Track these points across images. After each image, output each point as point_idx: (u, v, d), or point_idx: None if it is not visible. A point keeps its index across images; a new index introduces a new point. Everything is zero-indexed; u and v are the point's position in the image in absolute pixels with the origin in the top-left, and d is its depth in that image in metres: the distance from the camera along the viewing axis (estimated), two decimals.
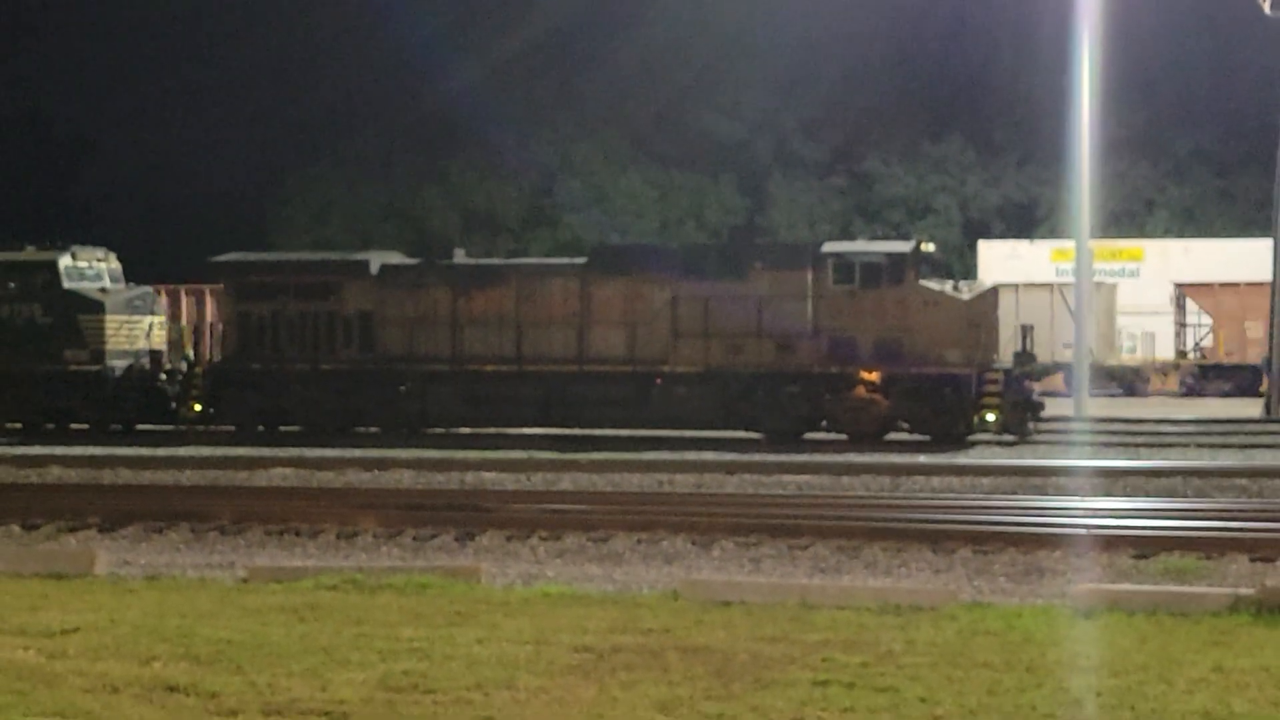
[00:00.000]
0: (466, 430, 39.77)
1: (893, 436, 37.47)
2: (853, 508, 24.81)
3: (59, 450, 36.14)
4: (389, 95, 74.90)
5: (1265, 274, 46.62)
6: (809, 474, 30.17)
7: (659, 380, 38.26)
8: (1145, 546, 20.82)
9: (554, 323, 38.86)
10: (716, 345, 37.91)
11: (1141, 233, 67.49)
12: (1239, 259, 55.23)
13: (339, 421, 39.85)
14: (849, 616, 15.67)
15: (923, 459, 33.04)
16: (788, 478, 29.79)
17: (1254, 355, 52.50)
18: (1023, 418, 37.56)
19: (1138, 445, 35.99)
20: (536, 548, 22.12)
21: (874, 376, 37.17)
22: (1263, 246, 48.68)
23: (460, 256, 41.86)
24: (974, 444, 36.73)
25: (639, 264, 39.15)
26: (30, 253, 42.37)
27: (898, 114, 72.46)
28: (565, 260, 43.13)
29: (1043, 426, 38.62)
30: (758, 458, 33.06)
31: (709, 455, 34.10)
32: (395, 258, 42.55)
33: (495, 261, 43.02)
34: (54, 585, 18.28)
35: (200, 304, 47.35)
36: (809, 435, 37.86)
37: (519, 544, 22.34)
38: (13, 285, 41.68)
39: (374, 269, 40.23)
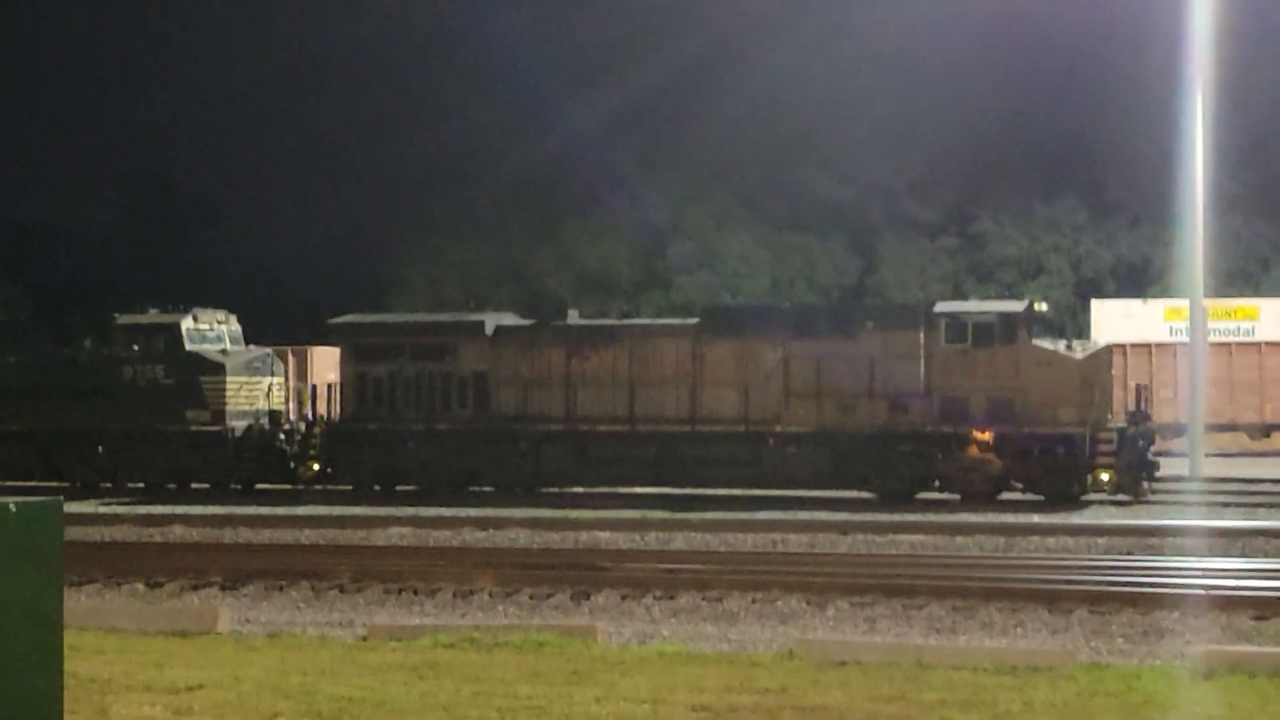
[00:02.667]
0: (580, 489, 39.93)
1: (1006, 496, 37.29)
2: (967, 568, 24.78)
3: (181, 509, 36.60)
4: (502, 157, 75.51)
5: None
6: (922, 534, 30.12)
7: (771, 440, 38.29)
8: (1265, 608, 20.67)
9: (666, 383, 39.00)
10: (828, 405, 37.91)
11: (1256, 291, 66.86)
12: None
13: (454, 481, 40.14)
14: (965, 677, 15.65)
15: (1037, 519, 32.92)
16: (901, 537, 29.74)
17: None
18: (1137, 478, 37.27)
19: (1255, 505, 35.65)
20: (651, 607, 22.23)
21: (987, 436, 37.03)
22: None
23: (574, 317, 42.16)
24: (1088, 504, 36.49)
25: (751, 324, 39.25)
26: (153, 315, 43.04)
27: (1009, 174, 72.28)
28: (678, 321, 43.31)
29: (1158, 486, 38.31)
30: (870, 517, 33.03)
31: (822, 515, 34.08)
32: (510, 318, 42.85)
33: (608, 322, 43.21)
34: (178, 642, 18.53)
35: (318, 365, 47.79)
36: (921, 495, 37.77)
37: (634, 603, 22.47)
38: (136, 347, 42.31)
39: (489, 329, 40.55)
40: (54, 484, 42.13)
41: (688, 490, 38.96)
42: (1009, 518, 33.19)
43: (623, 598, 22.71)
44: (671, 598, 22.56)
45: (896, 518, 32.67)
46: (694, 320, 40.67)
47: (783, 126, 73.27)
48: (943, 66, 68.97)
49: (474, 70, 77.55)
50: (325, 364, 46.51)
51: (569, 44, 76.66)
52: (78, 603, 22.02)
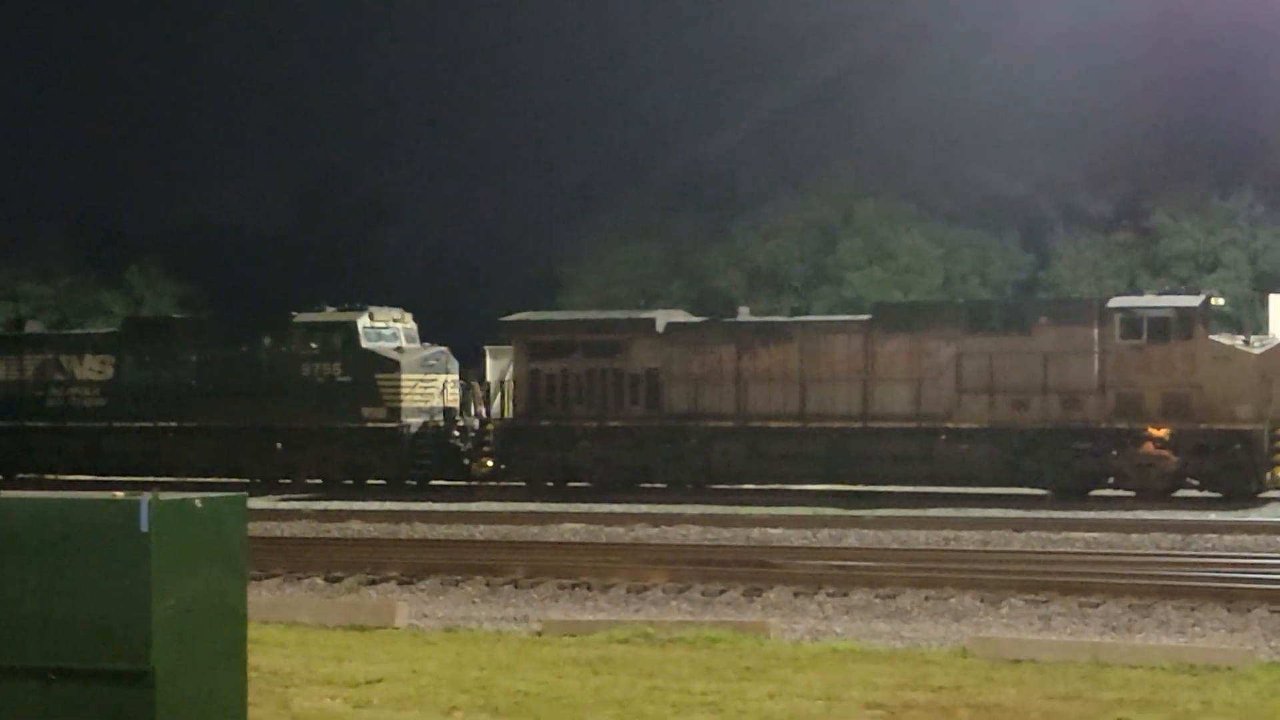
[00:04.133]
0: (751, 486, 39.96)
1: (1182, 493, 36.84)
2: (1143, 565, 24.53)
3: (358, 505, 37.13)
4: (673, 155, 75.68)
5: None
6: (1097, 531, 29.85)
7: (943, 436, 38.12)
8: None
9: (838, 379, 38.92)
10: (1001, 401, 37.66)
11: None
12: None
13: (626, 477, 40.34)
14: (1143, 675, 15.52)
15: (1213, 516, 32.49)
16: (1075, 534, 29.49)
17: None
18: None
19: None
20: (824, 603, 22.23)
21: (1162, 432, 36.59)
22: None
23: (744, 314, 42.17)
24: (1266, 501, 35.95)
25: (923, 320, 39.08)
26: (331, 314, 43.63)
27: (1184, 166, 71.19)
28: (849, 317, 43.19)
29: None
30: (1044, 514, 32.77)
31: (994, 512, 33.84)
32: (681, 316, 42.96)
33: (780, 319, 43.18)
34: (357, 636, 18.83)
35: (492, 362, 48.20)
36: (1096, 492, 37.39)
37: (806, 599, 22.48)
38: (314, 345, 42.91)
39: (660, 327, 40.68)
40: (234, 480, 42.86)
41: (859, 487, 38.87)
42: (1185, 515, 32.78)
43: (795, 594, 22.73)
44: (844, 594, 22.55)
45: (1070, 515, 32.40)
46: (865, 316, 40.56)
47: (953, 121, 72.77)
48: (1116, 58, 68.13)
49: (643, 69, 77.77)
50: (499, 362, 46.85)
51: (739, 42, 76.69)
52: (259, 597, 22.32)
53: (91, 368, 45.63)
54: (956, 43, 74.07)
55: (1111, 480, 37.45)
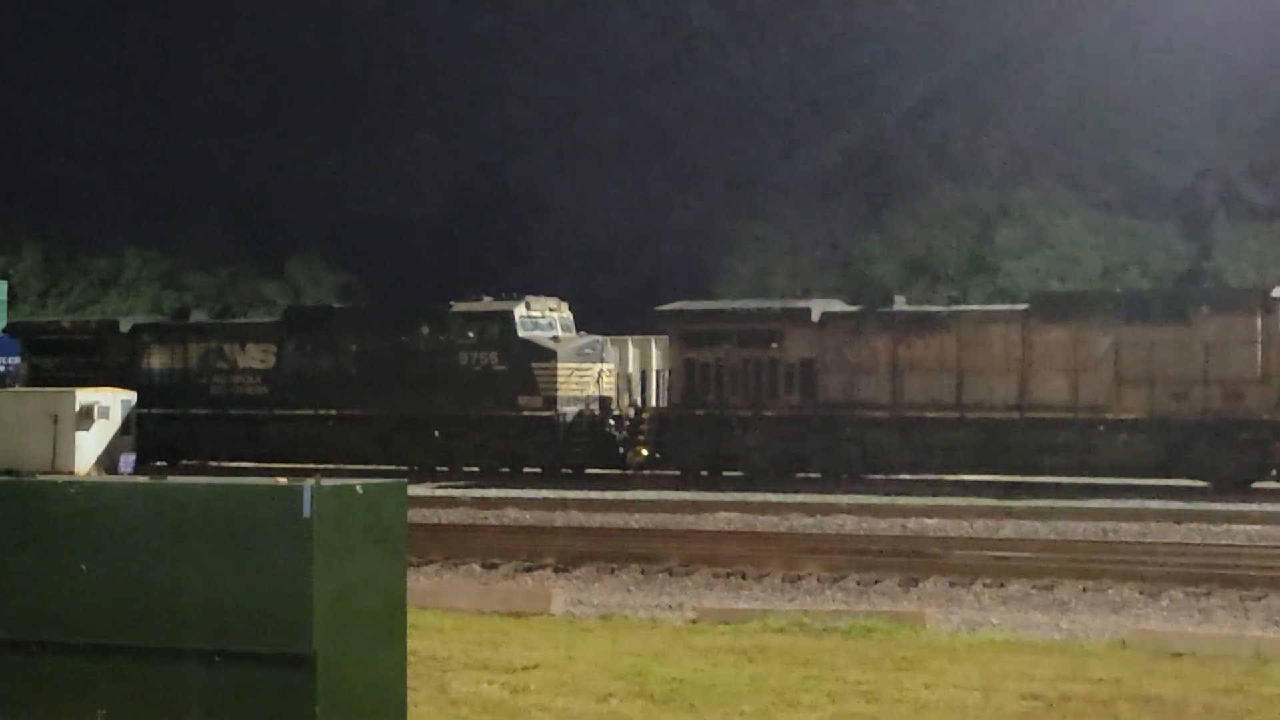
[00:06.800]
0: (906, 476, 39.81)
1: None
2: None
3: (514, 493, 37.37)
4: (828, 143, 75.39)
5: None
6: (1259, 524, 29.44)
7: (1101, 427, 37.75)
8: None
9: (994, 369, 38.66)
10: (1161, 391, 37.23)
11: None
12: None
13: (780, 466, 40.31)
14: None
15: None
16: (1237, 527, 29.12)
17: None
18: None
19: None
20: (980, 594, 22.12)
21: None
22: None
23: (900, 303, 42.00)
24: None
25: (1081, 310, 38.72)
26: (488, 303, 43.96)
27: None
28: (1006, 306, 42.86)
29: None
30: (1205, 506, 32.37)
31: (1153, 503, 33.49)
32: (836, 305, 42.86)
33: (935, 308, 42.96)
34: (513, 623, 18.95)
35: (647, 352, 48.38)
36: (1258, 484, 36.86)
37: (962, 590, 22.38)
38: (471, 334, 43.25)
39: (815, 316, 40.62)
40: (392, 467, 43.30)
41: (1016, 477, 38.60)
42: None
43: (951, 585, 22.64)
44: (1001, 585, 22.42)
45: (1232, 507, 31.97)
46: (1022, 306, 40.24)
47: (1112, 106, 71.93)
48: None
49: (796, 54, 77.55)
50: (654, 351, 46.99)
51: (892, 26, 76.23)
52: (418, 583, 22.59)
53: (253, 356, 46.29)
54: (1116, 24, 73.16)
55: (1275, 472, 36.92)
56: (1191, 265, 69.69)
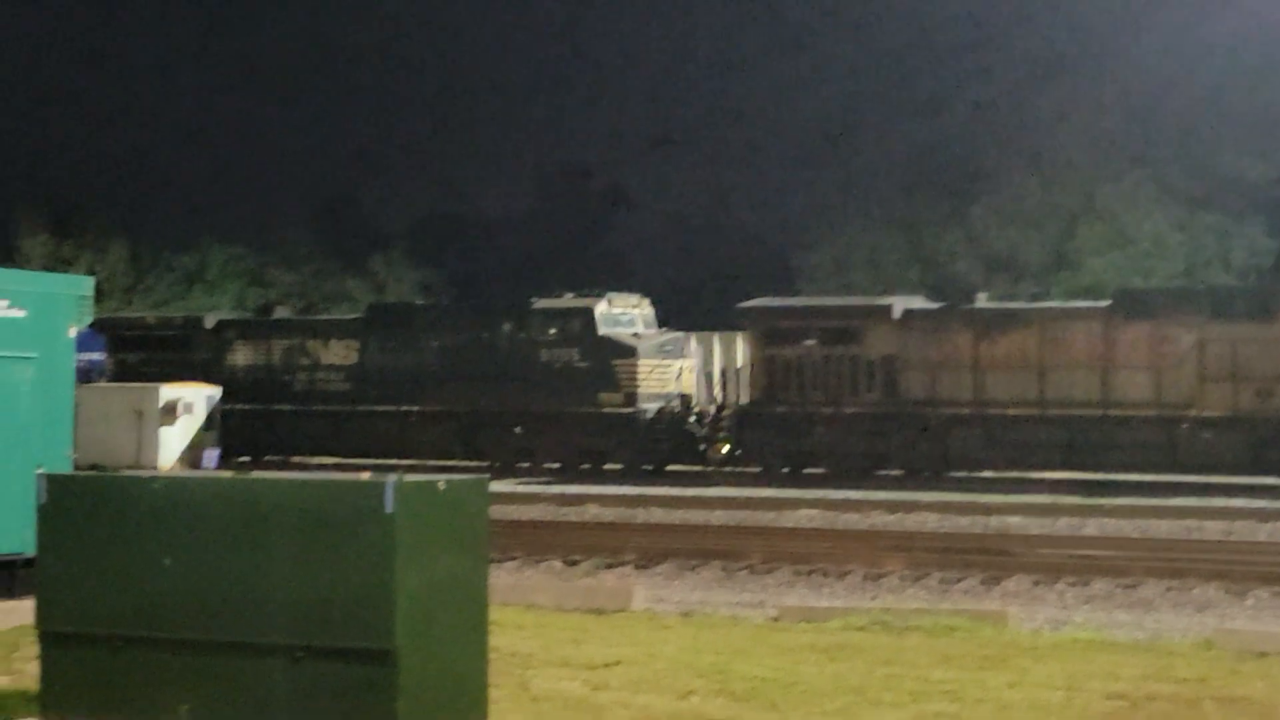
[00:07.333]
0: (989, 473, 39.63)
1: None
2: None
3: (595, 489, 37.40)
4: (910, 138, 75.18)
5: None
6: None
7: (1185, 424, 37.47)
8: None
9: (1077, 366, 38.46)
10: (1245, 389, 36.92)
11: None
12: None
13: (861, 464, 40.21)
14: None
15: None
16: None
17: None
18: None
19: None
20: (1064, 593, 21.99)
21: None
22: None
23: (982, 300, 41.81)
24: None
25: (1164, 307, 38.44)
26: (569, 300, 44.04)
27: None
28: (1088, 303, 42.60)
29: None
30: None
31: (1238, 502, 33.22)
32: (918, 302, 42.69)
33: (1018, 305, 42.72)
34: (594, 619, 18.94)
35: (728, 348, 48.33)
36: None
37: (1045, 589, 22.25)
38: (552, 331, 43.33)
39: (897, 313, 40.49)
40: (474, 463, 43.43)
41: (1099, 475, 38.37)
42: None
43: (1034, 583, 22.52)
44: (1085, 584, 22.29)
45: None
46: (1105, 303, 39.99)
47: (1197, 101, 71.35)
48: None
49: (882, 48, 77.40)
50: (735, 348, 46.93)
51: (976, 17, 75.93)
52: (499, 579, 22.60)
53: (336, 352, 46.54)
54: (1199, 15, 72.61)
55: None
56: (1276, 261, 69.03)
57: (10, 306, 18.18)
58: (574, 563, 25.21)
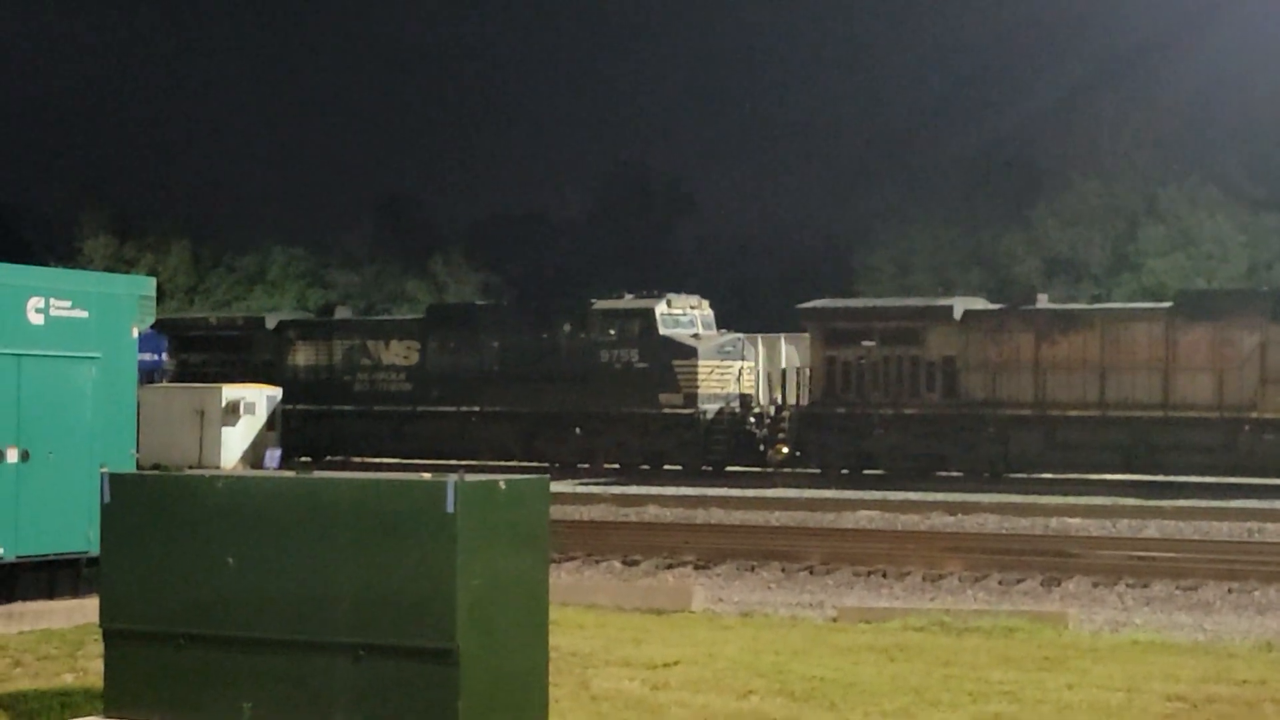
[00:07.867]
0: (1049, 475, 39.52)
1: None
2: None
3: (654, 490, 37.46)
4: (974, 143, 75.04)
5: None
6: None
7: (1247, 426, 37.29)
8: None
9: (1138, 368, 38.32)
10: None
11: None
12: None
13: (921, 465, 40.15)
14: None
15: None
16: None
17: None
18: None
19: None
20: (1124, 594, 21.93)
21: None
22: None
23: (1043, 301, 41.69)
24: None
25: (1226, 308, 38.27)
26: (629, 301, 44.09)
27: None
28: (1150, 305, 42.45)
29: None
30: None
31: None
32: (978, 303, 42.61)
33: (1079, 306, 42.61)
34: (654, 619, 19.00)
35: (789, 349, 48.35)
36: None
37: (1105, 590, 22.20)
38: (612, 332, 43.40)
39: (957, 314, 40.42)
40: (534, 464, 43.53)
41: (1159, 477, 38.21)
42: None
43: (1094, 585, 22.46)
44: (1145, 586, 22.22)
45: None
46: (1167, 304, 39.83)
47: (1260, 102, 70.98)
48: None
49: (942, 49, 77.21)
50: (795, 348, 46.92)
51: (1037, 20, 75.70)
52: (559, 579, 22.70)
53: (397, 353, 46.75)
54: (1260, 17, 72.26)
55: None
56: None
57: (73, 307, 18.34)
58: (634, 563, 25.27)
